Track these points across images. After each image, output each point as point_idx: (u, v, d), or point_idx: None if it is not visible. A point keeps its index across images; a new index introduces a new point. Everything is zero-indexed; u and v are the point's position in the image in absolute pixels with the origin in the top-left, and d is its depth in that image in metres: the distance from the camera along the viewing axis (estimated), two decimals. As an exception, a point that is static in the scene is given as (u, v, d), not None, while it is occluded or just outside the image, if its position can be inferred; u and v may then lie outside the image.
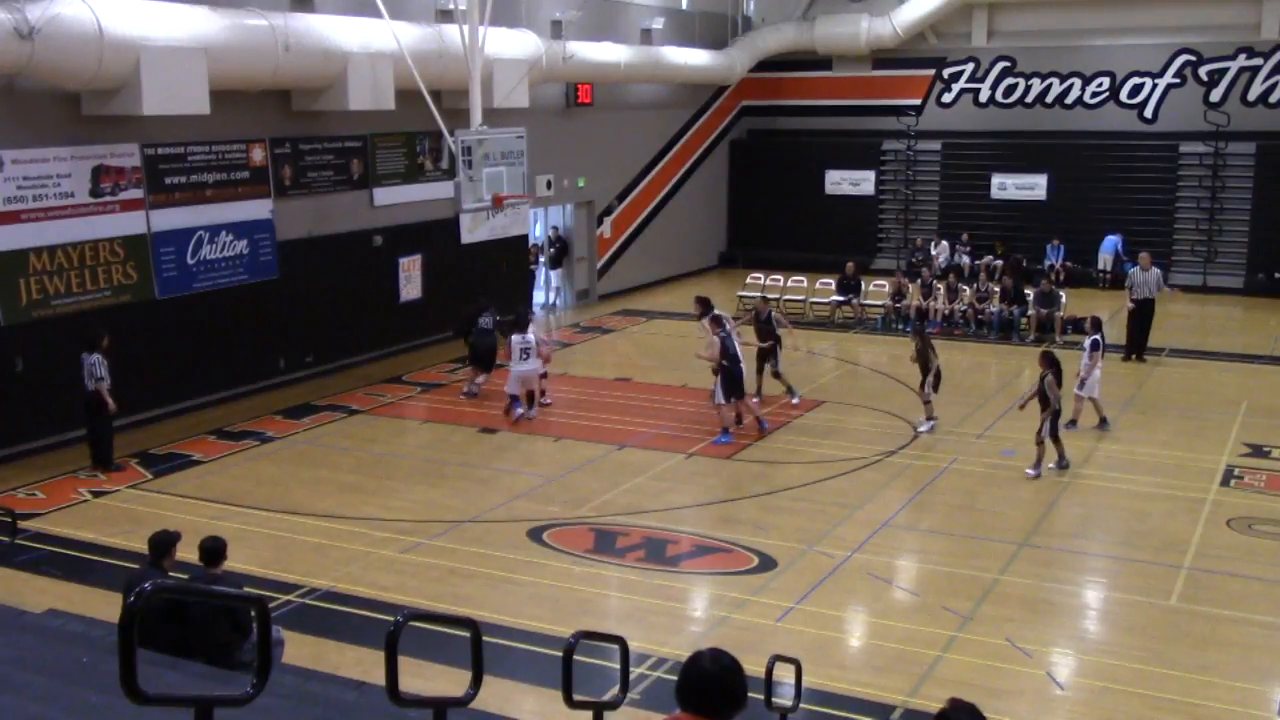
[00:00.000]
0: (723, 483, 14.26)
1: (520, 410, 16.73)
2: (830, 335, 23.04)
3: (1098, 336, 16.24)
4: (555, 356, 19.17)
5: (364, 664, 9.04)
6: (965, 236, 28.30)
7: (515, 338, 16.57)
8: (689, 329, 20.55)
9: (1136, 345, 20.38)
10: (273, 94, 17.80)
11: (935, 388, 15.98)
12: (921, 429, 16.05)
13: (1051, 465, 14.40)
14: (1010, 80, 29.36)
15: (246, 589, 7.67)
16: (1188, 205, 27.77)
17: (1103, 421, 16.23)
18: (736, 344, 15.84)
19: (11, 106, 14.45)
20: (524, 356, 16.48)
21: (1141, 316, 20.35)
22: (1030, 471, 14.23)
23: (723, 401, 15.67)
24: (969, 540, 12.28)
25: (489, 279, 22.84)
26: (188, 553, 8.49)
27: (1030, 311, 22.63)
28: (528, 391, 16.85)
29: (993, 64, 29.48)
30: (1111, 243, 27.50)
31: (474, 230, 17.11)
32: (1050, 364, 14.34)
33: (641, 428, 16.47)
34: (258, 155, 17.84)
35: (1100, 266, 27.68)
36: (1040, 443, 14.23)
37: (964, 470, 14.65)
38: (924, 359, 16.00)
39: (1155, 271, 20.56)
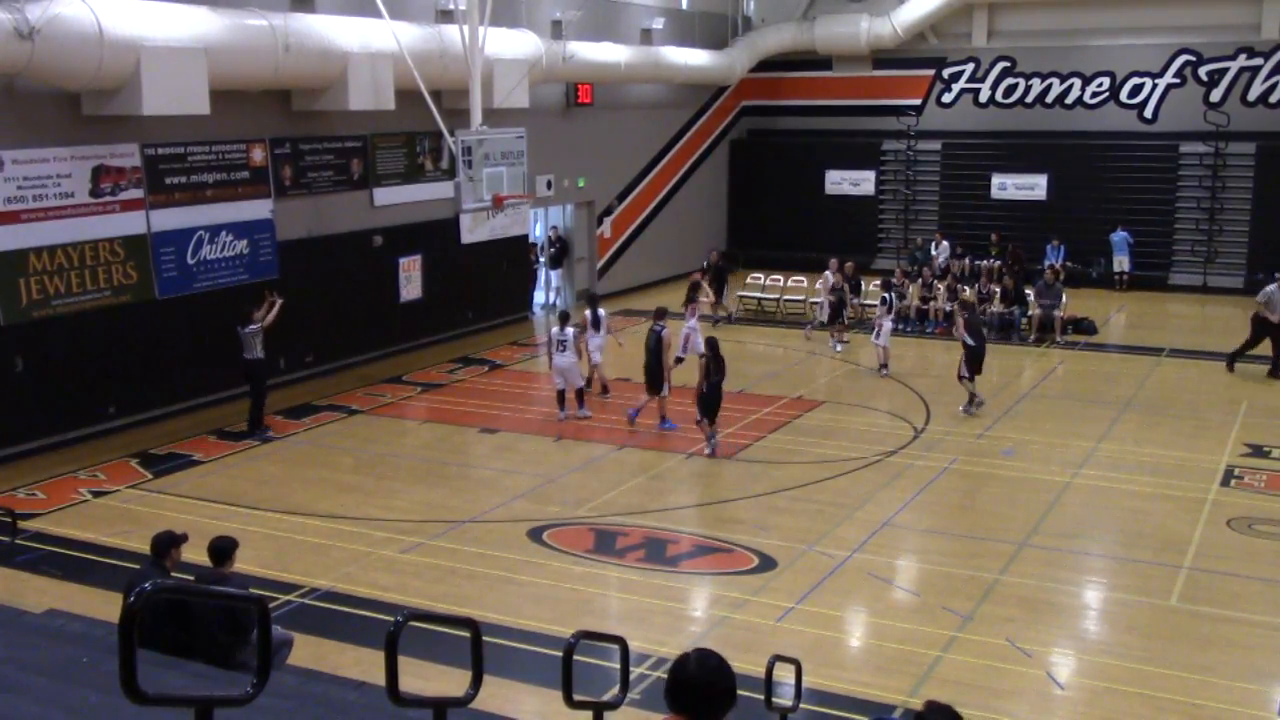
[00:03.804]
0: (723, 483, 14.25)
1: (564, 414, 16.66)
2: (830, 335, 22.97)
3: (887, 294, 20.02)
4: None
5: (364, 664, 9.03)
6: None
7: (553, 330, 16.71)
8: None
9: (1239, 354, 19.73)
10: (273, 94, 17.80)
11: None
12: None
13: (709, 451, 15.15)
14: (1010, 80, 29.34)
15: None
16: (1188, 205, 27.74)
17: (882, 368, 19.43)
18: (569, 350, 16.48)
19: (11, 106, 14.46)
20: (560, 349, 16.45)
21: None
22: (707, 451, 15.03)
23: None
24: (969, 540, 12.28)
25: (489, 279, 22.88)
26: (198, 554, 8.50)
27: (1031, 312, 22.59)
28: (576, 390, 16.71)
29: (993, 64, 29.47)
30: (1122, 238, 27.22)
31: (474, 230, 17.14)
32: (710, 349, 14.95)
33: (641, 427, 16.47)
34: (258, 155, 17.84)
35: (1116, 269, 27.47)
36: (698, 423, 15.07)
37: (964, 470, 14.65)
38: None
39: None
